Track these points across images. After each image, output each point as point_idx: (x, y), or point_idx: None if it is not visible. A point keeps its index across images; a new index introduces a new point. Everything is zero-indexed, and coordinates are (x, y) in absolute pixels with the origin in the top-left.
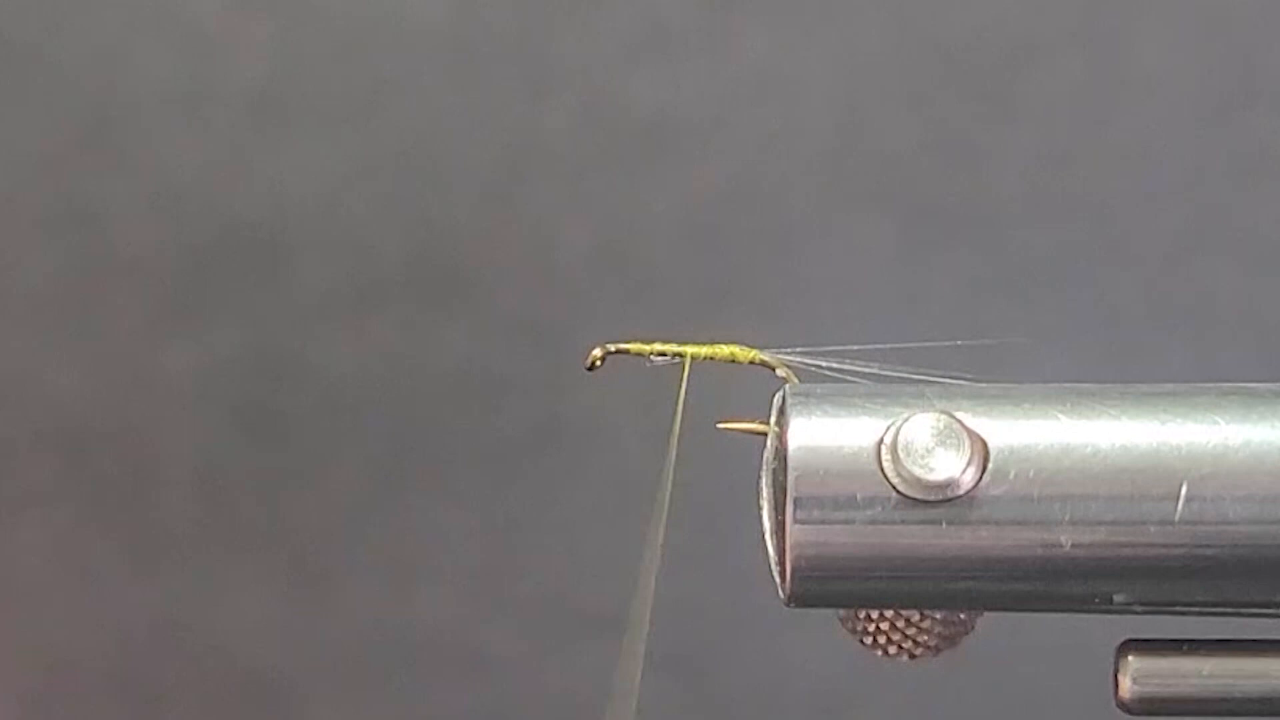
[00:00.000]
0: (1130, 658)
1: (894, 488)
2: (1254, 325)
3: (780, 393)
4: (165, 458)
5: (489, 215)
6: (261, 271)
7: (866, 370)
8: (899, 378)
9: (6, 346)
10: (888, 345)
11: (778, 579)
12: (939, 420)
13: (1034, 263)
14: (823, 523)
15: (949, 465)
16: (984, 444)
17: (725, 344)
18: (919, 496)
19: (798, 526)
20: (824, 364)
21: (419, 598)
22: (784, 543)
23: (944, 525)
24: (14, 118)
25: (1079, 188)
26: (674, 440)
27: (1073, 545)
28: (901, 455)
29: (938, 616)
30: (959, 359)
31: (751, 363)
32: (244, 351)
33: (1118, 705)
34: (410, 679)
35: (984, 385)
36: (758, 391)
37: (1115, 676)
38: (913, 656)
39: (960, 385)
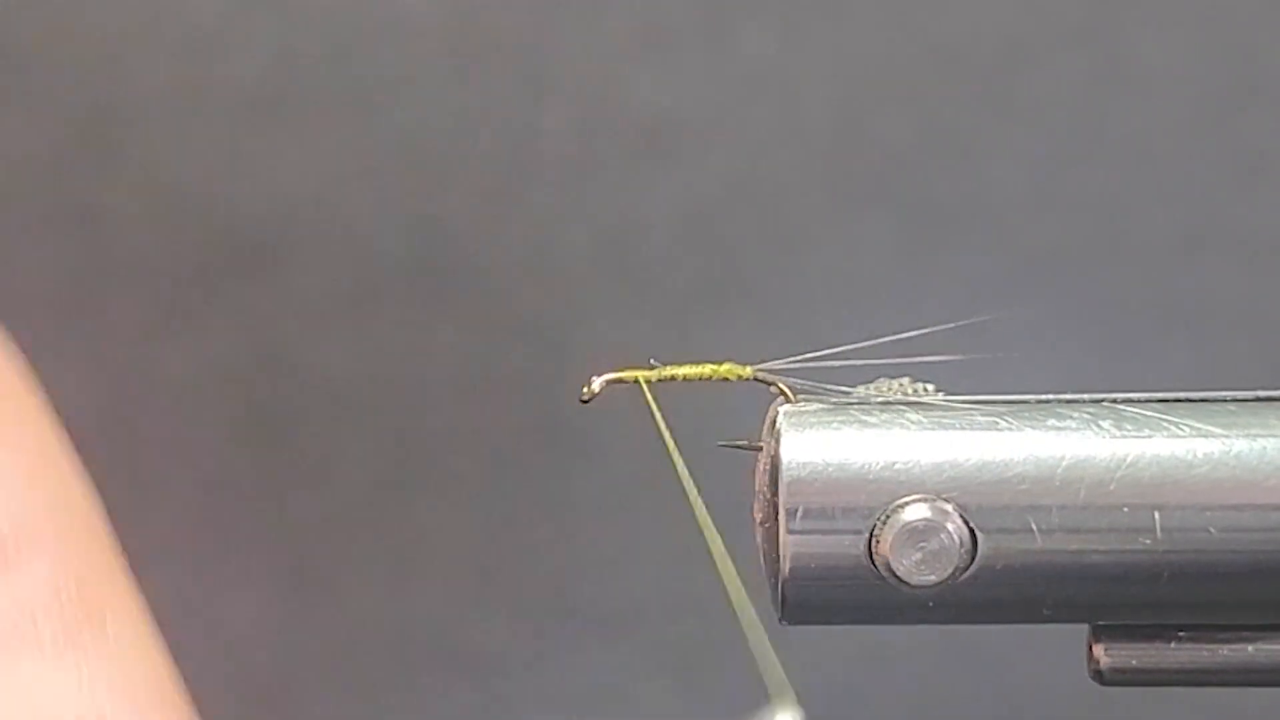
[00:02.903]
0: (1102, 638)
1: (883, 579)
2: (1254, 325)
3: (773, 412)
4: (165, 458)
5: (489, 215)
6: (261, 271)
7: (862, 382)
8: (894, 402)
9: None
10: (881, 339)
11: (772, 593)
12: (929, 519)
13: (1034, 262)
14: (816, 533)
15: (935, 570)
16: (973, 538)
17: (719, 363)
18: (904, 590)
19: (791, 536)
20: (821, 382)
21: (418, 597)
22: (778, 553)
23: (930, 604)
24: (14, 118)
25: (1079, 187)
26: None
27: (1052, 613)
28: (891, 558)
29: None
30: (955, 348)
31: (746, 380)
32: (244, 352)
33: (1091, 676)
34: (409, 678)
35: (972, 459)
36: (757, 394)
37: (1089, 651)
38: None
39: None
